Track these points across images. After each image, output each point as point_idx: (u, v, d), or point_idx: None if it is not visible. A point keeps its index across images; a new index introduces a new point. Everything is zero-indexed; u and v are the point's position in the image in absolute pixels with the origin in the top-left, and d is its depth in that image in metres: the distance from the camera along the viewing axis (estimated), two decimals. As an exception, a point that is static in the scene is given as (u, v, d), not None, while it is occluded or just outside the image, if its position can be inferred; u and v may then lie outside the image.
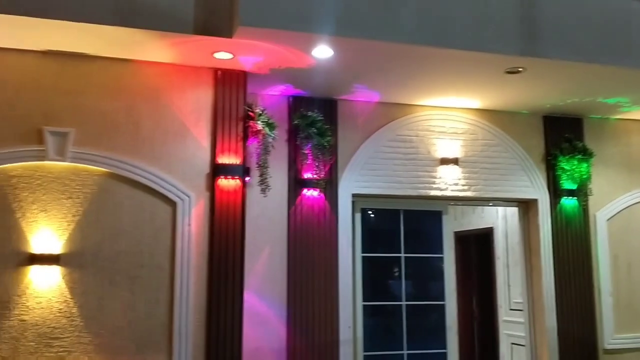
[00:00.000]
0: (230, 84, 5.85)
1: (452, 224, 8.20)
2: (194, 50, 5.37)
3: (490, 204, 7.80)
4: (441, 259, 7.38)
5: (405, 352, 6.97)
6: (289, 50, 5.34)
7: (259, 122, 5.85)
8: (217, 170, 5.70)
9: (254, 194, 6.07)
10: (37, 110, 5.29)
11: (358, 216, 6.88)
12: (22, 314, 5.08)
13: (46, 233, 5.20)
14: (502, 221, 8.90)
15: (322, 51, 5.35)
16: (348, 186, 6.72)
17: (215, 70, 5.80)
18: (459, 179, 7.05)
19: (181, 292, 5.47)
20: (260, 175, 5.97)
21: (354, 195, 6.75)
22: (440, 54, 5.56)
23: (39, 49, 5.30)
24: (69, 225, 5.28)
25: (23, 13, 4.60)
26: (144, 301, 5.38)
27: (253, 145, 5.94)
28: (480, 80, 6.29)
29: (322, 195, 6.54)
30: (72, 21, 4.73)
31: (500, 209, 8.84)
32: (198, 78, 5.77)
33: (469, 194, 7.08)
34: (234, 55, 5.48)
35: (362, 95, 6.68)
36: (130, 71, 5.56)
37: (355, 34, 5.14)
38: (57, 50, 5.32)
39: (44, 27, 4.83)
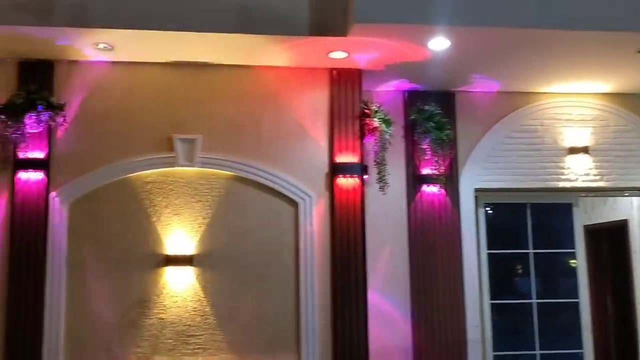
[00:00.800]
0: (345, 83, 5.87)
1: (581, 218, 7.71)
2: (309, 52, 5.43)
3: (626, 194, 7.25)
4: (571, 254, 6.96)
5: (537, 352, 6.64)
6: (404, 45, 5.26)
7: (375, 119, 5.82)
8: (336, 169, 5.74)
9: (372, 192, 6.03)
10: (167, 119, 5.58)
11: (482, 211, 6.64)
12: (160, 313, 5.37)
13: (179, 235, 5.47)
14: (638, 212, 8.25)
15: (439, 43, 5.23)
16: (470, 180, 6.51)
17: (330, 70, 5.84)
18: (590, 169, 6.62)
19: (306, 291, 5.55)
20: (378, 173, 5.93)
21: (476, 190, 6.54)
22: (565, 37, 5.24)
23: (167, 61, 5.58)
24: (200, 227, 5.52)
25: (155, 27, 4.86)
26: (271, 300, 5.51)
27: (370, 143, 5.92)
28: (610, 62, 5.86)
29: (442, 190, 6.38)
30: (199, 32, 4.93)
31: (636, 200, 8.19)
32: (314, 79, 5.84)
33: (601, 184, 6.64)
34: (348, 53, 5.48)
35: (481, 85, 6.45)
36: (251, 77, 5.73)
37: (473, 22, 4.97)
38: (184, 61, 5.58)
39: (173, 40, 5.09)
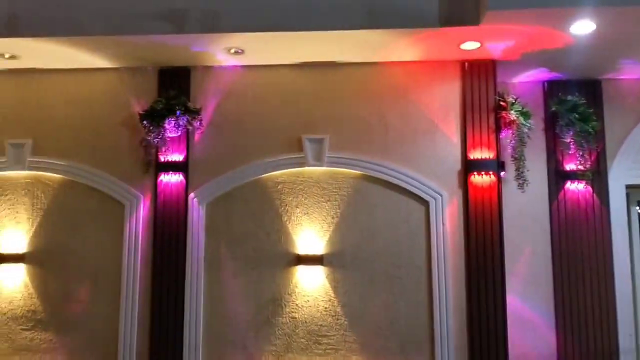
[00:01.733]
0: (478, 75, 5.58)
1: None
2: (439, 44, 5.22)
3: None
4: None
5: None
6: (543, 30, 4.88)
7: (512, 111, 5.46)
8: (470, 166, 5.46)
9: (509, 189, 5.68)
10: (297, 120, 5.61)
11: (634, 210, 6.02)
12: (292, 312, 5.41)
13: (309, 235, 5.48)
14: None
15: (583, 26, 4.79)
16: (620, 176, 5.93)
17: (462, 62, 5.58)
18: None
19: (439, 293, 5.33)
20: (517, 169, 5.55)
21: (627, 187, 5.94)
22: None
23: (295, 62, 5.61)
24: (329, 226, 5.49)
25: (284, 29, 4.91)
26: (404, 301, 5.36)
27: (506, 137, 5.57)
28: None
29: (588, 187, 5.86)
30: (327, 30, 4.90)
31: None
32: (444, 72, 5.60)
33: None
34: (481, 43, 5.20)
35: (631, 71, 5.84)
36: (378, 74, 5.62)
37: (621, 2, 4.49)
38: (311, 62, 5.59)
39: (301, 40, 5.11)
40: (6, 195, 5.69)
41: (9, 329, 5.51)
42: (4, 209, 5.67)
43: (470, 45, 5.24)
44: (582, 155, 5.80)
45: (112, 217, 5.59)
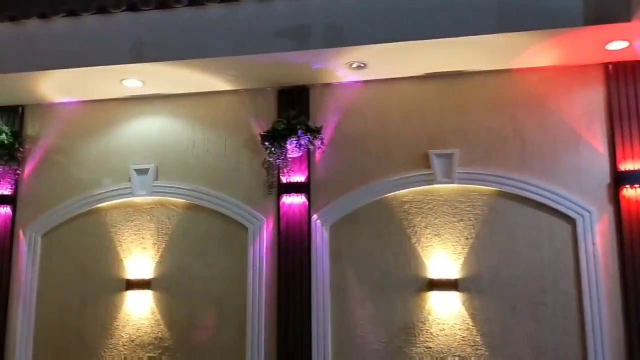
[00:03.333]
0: (625, 78, 5.05)
1: None
2: (582, 45, 4.75)
3: None
4: None
5: None
6: None
7: (669, 116, 4.87)
8: (621, 178, 4.91)
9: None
10: (422, 135, 5.29)
11: None
12: (427, 341, 5.03)
13: (442, 257, 5.10)
14: None
15: None
16: None
17: (605, 64, 5.06)
18: None
19: (592, 321, 4.78)
20: (677, 180, 4.93)
21: None
22: None
23: (419, 74, 5.31)
24: (463, 248, 5.09)
25: (409, 38, 4.62)
26: (550, 330, 4.84)
27: (661, 145, 4.96)
28: None
29: None
30: (457, 37, 4.59)
31: None
32: (585, 76, 5.12)
33: None
34: (629, 42, 4.67)
35: None
36: (510, 82, 5.21)
37: None
38: (436, 72, 5.27)
39: (426, 50, 4.81)
40: (132, 220, 5.72)
41: (137, 356, 5.48)
42: (130, 235, 5.69)
43: (617, 45, 4.74)
44: None
45: (236, 240, 5.47)
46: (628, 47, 4.76)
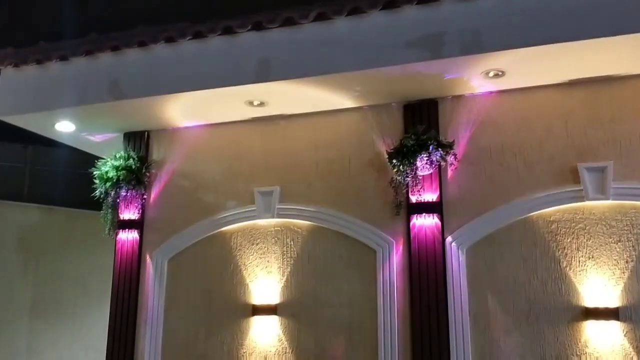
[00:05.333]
0: None
1: None
2: None
3: None
4: None
5: None
6: None
7: None
8: None
9: None
10: (569, 147, 4.81)
11: None
12: (584, 376, 4.47)
13: (598, 283, 4.55)
14: None
15: None
16: None
17: None
18: None
19: None
20: None
21: None
22: None
23: (564, 81, 4.84)
24: (623, 273, 4.53)
25: (545, 42, 4.19)
26: None
27: None
28: None
29: None
30: (607, 37, 4.08)
31: None
32: None
33: None
34: None
35: None
36: (671, 84, 4.62)
37: None
38: (583, 78, 4.78)
39: (572, 52, 4.34)
40: (257, 244, 5.58)
41: (265, 384, 5.28)
42: (255, 258, 5.56)
43: None
44: None
45: (364, 264, 5.18)
46: None
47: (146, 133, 6.14)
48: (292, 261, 5.43)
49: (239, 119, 5.78)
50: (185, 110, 5.60)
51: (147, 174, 5.97)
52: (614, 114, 4.74)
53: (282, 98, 5.26)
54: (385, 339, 4.97)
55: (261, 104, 5.40)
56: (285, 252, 5.47)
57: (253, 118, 5.74)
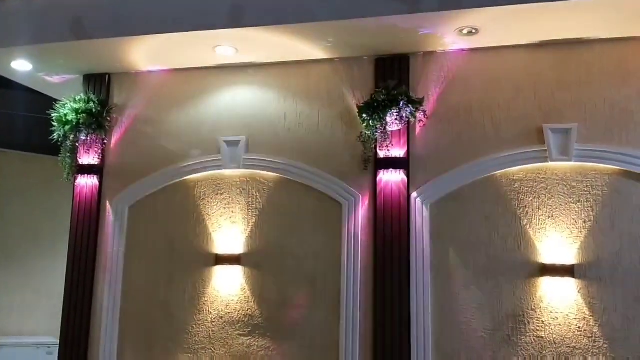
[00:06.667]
0: None
1: None
2: None
3: None
4: None
5: None
6: None
7: None
8: None
9: None
10: (536, 108, 4.88)
11: None
12: (538, 330, 4.66)
13: (556, 242, 4.70)
14: None
15: None
16: None
17: None
18: None
19: None
20: None
21: None
22: None
23: (534, 42, 4.88)
24: (580, 232, 4.68)
25: (522, 1, 4.19)
26: (680, 324, 4.41)
27: None
28: None
29: None
30: (587, -3, 4.12)
31: None
32: None
33: None
34: None
35: None
36: (636, 51, 4.70)
37: None
38: (553, 40, 4.83)
39: (546, 13, 4.36)
40: (222, 194, 5.52)
41: (226, 333, 5.31)
42: (219, 208, 5.50)
43: None
44: None
45: (330, 217, 5.20)
46: None
47: (107, 76, 5.93)
48: (258, 212, 5.41)
49: (206, 65, 5.63)
50: (151, 54, 5.41)
51: (108, 118, 5.78)
52: (582, 77, 4.83)
53: (252, 46, 5.13)
54: (348, 290, 5.04)
55: (231, 51, 5.25)
56: (250, 203, 5.44)
57: (221, 65, 5.59)
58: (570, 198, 4.75)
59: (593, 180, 4.72)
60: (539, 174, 4.83)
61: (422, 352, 4.81)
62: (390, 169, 5.08)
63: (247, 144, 5.48)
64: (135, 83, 5.87)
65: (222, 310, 5.36)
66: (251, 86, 5.56)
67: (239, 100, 5.57)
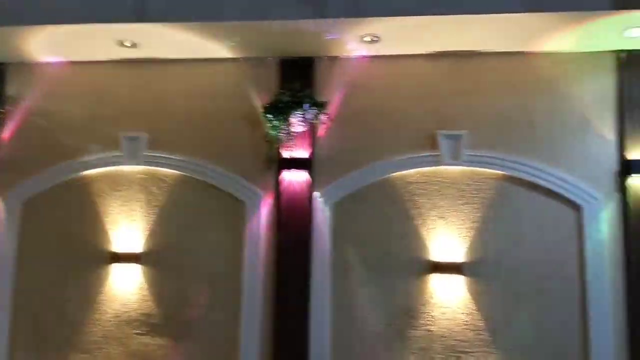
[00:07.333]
0: (637, 67, 4.99)
1: None
2: (601, 31, 4.67)
3: None
4: None
5: None
6: None
7: (680, 107, 4.86)
8: (628, 167, 4.88)
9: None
10: (431, 115, 5.15)
11: None
12: (428, 324, 4.93)
13: (446, 240, 4.99)
14: None
15: None
16: None
17: (617, 52, 5.01)
18: None
19: (595, 309, 4.78)
20: (682, 171, 4.95)
21: None
22: None
23: (432, 52, 5.16)
24: (468, 232, 5.00)
25: (433, 13, 4.45)
26: (553, 317, 4.82)
27: (666, 136, 4.97)
28: None
29: None
30: (480, 14, 4.41)
31: None
32: (598, 64, 5.05)
33: None
34: (648, 30, 4.63)
35: None
36: (524, 65, 5.11)
37: None
38: (448, 51, 5.13)
39: (445, 25, 4.63)
40: (120, 191, 5.41)
41: (123, 333, 5.21)
42: (118, 205, 5.39)
43: (636, 33, 4.67)
44: None
45: (232, 216, 5.23)
46: (644, 35, 4.71)
47: (1, 65, 5.64)
48: (158, 210, 5.34)
49: (108, 59, 5.49)
50: (50, 45, 5.21)
51: (2, 110, 5.50)
52: (473, 88, 5.16)
53: (157, 41, 5.08)
54: (249, 288, 5.10)
55: (133, 45, 5.17)
56: (150, 201, 5.37)
57: (123, 59, 5.48)
58: (460, 200, 5.06)
59: (480, 183, 5.06)
60: (432, 177, 5.11)
61: (320, 348, 4.94)
62: (294, 169, 5.19)
63: (149, 140, 5.39)
64: (31, 74, 5.63)
65: (119, 310, 5.24)
66: (155, 82, 5.48)
67: (141, 96, 5.48)
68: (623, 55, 5.01)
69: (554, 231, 4.93)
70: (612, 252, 4.83)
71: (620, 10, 4.32)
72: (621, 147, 4.93)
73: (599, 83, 5.03)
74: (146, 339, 5.18)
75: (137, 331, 5.20)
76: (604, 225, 4.86)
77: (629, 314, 4.73)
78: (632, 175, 4.87)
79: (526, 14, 4.43)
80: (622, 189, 4.89)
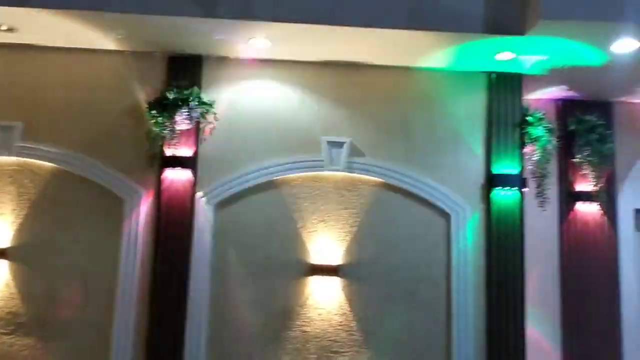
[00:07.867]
0: (504, 88, 5.44)
1: None
2: (475, 52, 5.03)
3: None
4: None
5: None
6: (584, 46, 4.77)
7: (539, 127, 5.34)
8: (493, 180, 5.29)
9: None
10: (316, 121, 5.30)
11: (642, 234, 6.02)
12: (304, 325, 5.06)
13: (325, 244, 5.15)
14: None
15: (625, 45, 4.70)
16: (630, 200, 5.92)
17: (489, 73, 5.42)
18: None
19: (458, 311, 5.11)
20: (538, 187, 5.45)
21: (637, 211, 5.92)
22: None
23: (319, 60, 5.30)
24: (347, 236, 5.19)
25: (321, 22, 4.58)
26: (421, 318, 5.12)
27: (528, 153, 5.44)
28: None
29: (598, 209, 5.80)
30: (366, 27, 4.61)
31: None
32: (471, 83, 5.43)
33: None
34: (516, 55, 5.04)
35: (645, 95, 5.86)
36: (404, 79, 5.38)
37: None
38: (336, 61, 5.29)
39: (333, 35, 4.78)
40: (-12, 182, 5.09)
41: (-16, 332, 4.90)
42: (-16, 198, 5.07)
43: (506, 56, 5.08)
44: (595, 177, 5.74)
45: (109, 213, 5.09)
46: (514, 59, 5.11)
47: None
48: (29, 204, 5.08)
49: (-21, 42, 5.16)
50: None
51: None
52: (357, 98, 5.36)
53: (37, 27, 4.84)
54: (124, 288, 4.98)
55: (10, 30, 4.89)
56: (22, 194, 5.10)
57: (-2, 43, 5.17)
58: (341, 205, 5.24)
59: (361, 189, 5.27)
60: (315, 181, 5.25)
61: (195, 348, 4.92)
62: (177, 168, 5.14)
63: (23, 130, 5.12)
64: None
65: (-20, 309, 4.93)
66: (32, 69, 5.21)
67: (16, 83, 5.19)
68: (493, 76, 5.41)
69: (425, 237, 5.23)
70: (476, 258, 5.19)
71: (492, 34, 4.67)
72: (488, 161, 5.32)
73: (471, 101, 5.41)
74: (11, 339, 4.91)
75: (1, 331, 4.91)
76: (469, 233, 5.21)
77: (488, 315, 5.11)
78: (495, 188, 5.27)
79: (408, 30, 4.67)
80: (487, 201, 5.27)
